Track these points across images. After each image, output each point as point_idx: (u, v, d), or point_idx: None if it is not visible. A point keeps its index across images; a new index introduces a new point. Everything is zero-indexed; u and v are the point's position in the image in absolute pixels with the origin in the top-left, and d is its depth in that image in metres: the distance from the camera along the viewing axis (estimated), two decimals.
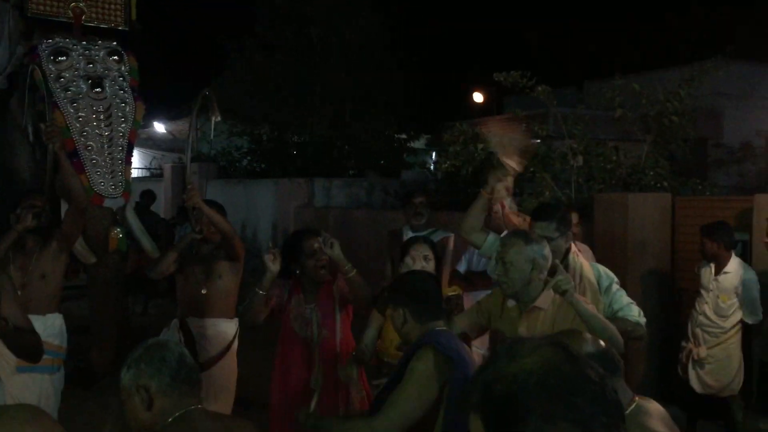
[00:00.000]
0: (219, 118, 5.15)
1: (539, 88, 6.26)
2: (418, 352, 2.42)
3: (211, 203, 4.38)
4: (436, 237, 5.00)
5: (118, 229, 6.21)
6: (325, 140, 13.63)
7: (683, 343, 4.84)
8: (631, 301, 3.31)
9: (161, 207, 13.78)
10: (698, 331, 4.75)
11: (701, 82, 6.95)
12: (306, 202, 10.41)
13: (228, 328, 4.24)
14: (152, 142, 21.31)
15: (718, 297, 4.66)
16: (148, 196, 10.17)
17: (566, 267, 3.28)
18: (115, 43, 6.05)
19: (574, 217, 5.02)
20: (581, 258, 3.36)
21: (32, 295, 3.97)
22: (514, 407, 0.96)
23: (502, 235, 3.34)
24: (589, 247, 5.65)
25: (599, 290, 3.26)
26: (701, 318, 4.76)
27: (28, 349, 2.90)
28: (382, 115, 14.44)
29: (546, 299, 2.80)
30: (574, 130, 6.60)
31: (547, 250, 2.84)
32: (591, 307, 2.77)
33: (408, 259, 3.38)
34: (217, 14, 21.17)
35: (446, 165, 6.49)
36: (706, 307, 4.73)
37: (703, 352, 4.65)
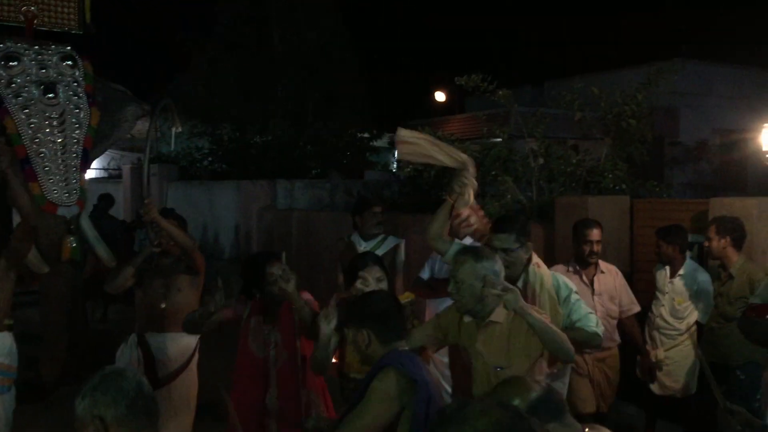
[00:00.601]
0: (179, 129, 5.09)
1: (500, 92, 6.30)
2: (379, 374, 2.40)
3: (171, 213, 4.31)
4: (388, 244, 5.02)
5: (72, 238, 6.07)
6: (287, 140, 13.53)
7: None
8: (590, 310, 3.34)
9: (120, 209, 13.54)
10: (655, 333, 4.82)
11: (658, 83, 7.06)
12: (268, 204, 10.32)
13: (188, 341, 4.19)
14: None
15: (673, 299, 4.73)
16: (106, 200, 9.97)
17: (526, 279, 3.33)
18: (69, 47, 5.91)
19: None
20: (542, 269, 3.40)
21: None
22: None
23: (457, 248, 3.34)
24: (550, 252, 5.73)
25: (558, 300, 3.29)
26: (658, 320, 4.82)
27: None
28: (344, 114, 14.40)
29: (501, 313, 2.84)
30: (535, 132, 6.65)
31: (498, 266, 2.87)
32: (543, 318, 2.81)
33: (360, 284, 3.35)
34: (178, 13, 20.89)
35: (408, 169, 6.49)
36: (662, 309, 4.80)
37: (660, 354, 4.72)
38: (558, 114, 8.24)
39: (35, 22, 5.91)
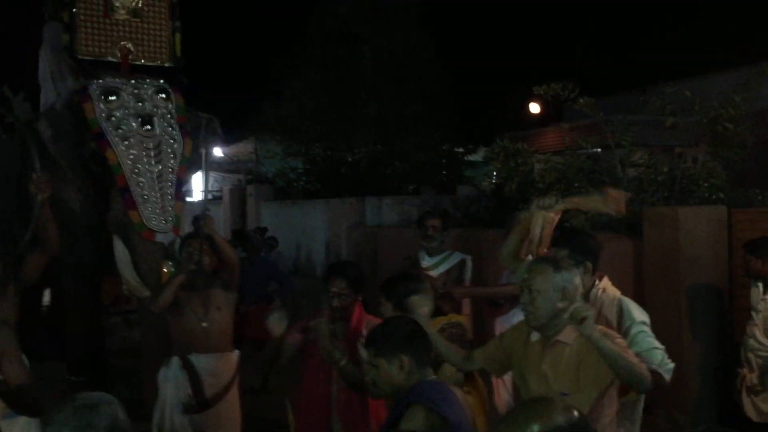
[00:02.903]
0: (221, 141, 5.28)
1: (581, 100, 6.08)
2: (408, 413, 2.23)
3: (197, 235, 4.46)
4: (453, 260, 4.96)
5: (170, 263, 6.41)
6: (376, 157, 13.69)
7: (738, 369, 4.62)
8: (657, 345, 2.99)
9: (220, 229, 14.09)
10: (750, 355, 4.49)
11: (759, 84, 6.67)
12: (357, 222, 10.45)
13: (233, 359, 4.23)
14: (212, 165, 21.80)
15: (767, 318, 4.43)
16: (199, 222, 10.39)
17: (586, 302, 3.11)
18: (162, 81, 6.24)
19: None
20: (606, 294, 3.13)
21: None
22: None
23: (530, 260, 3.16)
24: (638, 266, 5.48)
25: (618, 330, 3.00)
26: (752, 342, 4.49)
27: (29, 406, 2.88)
28: (436, 129, 14.41)
29: (570, 333, 2.60)
30: (622, 140, 6.40)
31: (578, 279, 2.64)
32: (617, 342, 2.56)
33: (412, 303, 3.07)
34: (271, 36, 21.57)
35: (486, 182, 6.36)
36: (756, 329, 4.47)
37: (755, 378, 4.42)
38: (651, 121, 7.92)
39: (130, 57, 6.30)
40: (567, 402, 1.62)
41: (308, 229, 11.83)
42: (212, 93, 23.25)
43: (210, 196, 21.48)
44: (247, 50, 21.87)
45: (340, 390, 3.28)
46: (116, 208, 5.81)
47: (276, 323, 3.33)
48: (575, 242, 3.10)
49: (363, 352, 2.80)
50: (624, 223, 5.77)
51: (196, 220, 4.67)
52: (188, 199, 20.21)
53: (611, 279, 3.31)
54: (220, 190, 18.83)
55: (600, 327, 2.62)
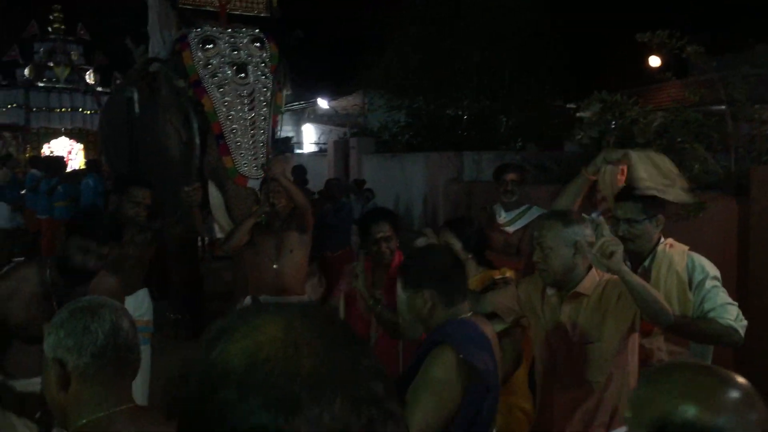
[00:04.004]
0: (289, 91, 5.27)
1: (689, 49, 5.60)
2: (434, 350, 2.11)
3: (298, 173, 4.49)
4: (531, 215, 4.75)
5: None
6: (480, 112, 13.40)
7: None
8: (730, 301, 2.80)
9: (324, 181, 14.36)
10: None
11: None
12: (455, 177, 10.30)
13: (302, 301, 4.25)
14: (316, 117, 22.19)
15: None
16: (298, 171, 10.64)
17: (653, 257, 2.96)
18: (257, 30, 6.34)
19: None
20: (674, 249, 2.94)
21: (125, 278, 4.22)
22: None
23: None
24: (744, 229, 5.10)
25: (689, 285, 2.84)
26: None
27: None
28: (544, 84, 13.90)
29: (589, 284, 2.54)
30: (735, 94, 5.88)
31: (589, 231, 2.57)
32: (640, 281, 2.44)
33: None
34: None
35: (580, 137, 6.00)
36: None
37: None
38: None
39: (228, 6, 6.43)
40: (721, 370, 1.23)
41: (407, 182, 11.81)
42: (322, 47, 23.60)
43: (317, 148, 21.93)
44: (358, 3, 21.86)
45: (379, 337, 3.27)
46: (211, 153, 6.02)
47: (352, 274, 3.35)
48: (646, 196, 2.91)
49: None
50: (733, 183, 5.35)
51: (265, 164, 4.73)
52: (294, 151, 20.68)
53: (714, 240, 3.11)
54: (326, 143, 19.13)
55: (613, 277, 2.53)
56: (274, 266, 4.19)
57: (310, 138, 23.63)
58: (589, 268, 2.58)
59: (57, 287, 2.75)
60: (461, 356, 2.05)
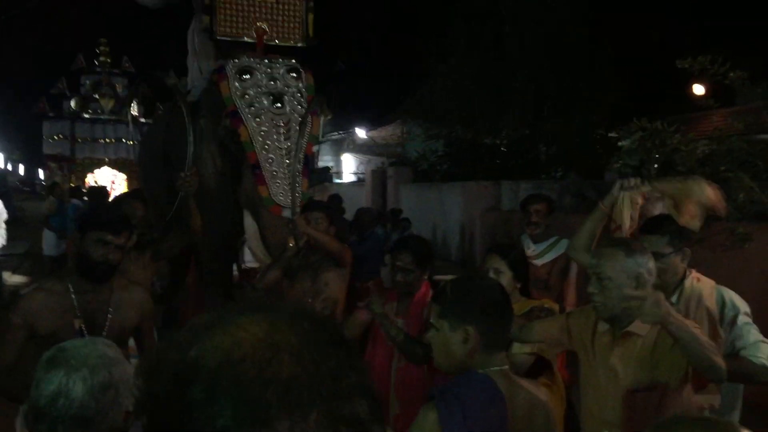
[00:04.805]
0: (330, 116, 5.26)
1: (731, 74, 5.42)
2: (422, 410, 1.85)
3: (319, 207, 4.43)
4: (560, 248, 4.58)
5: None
6: (520, 141, 13.29)
7: None
8: (763, 339, 2.69)
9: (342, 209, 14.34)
10: None
11: None
12: (492, 206, 10.19)
13: None
14: (355, 147, 22.34)
15: None
16: (334, 200, 10.62)
17: (681, 292, 2.84)
18: (293, 60, 6.36)
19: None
20: (702, 283, 2.85)
21: None
22: None
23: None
24: None
25: (720, 321, 2.73)
26: None
27: None
28: (586, 112, 13.75)
29: (643, 324, 2.33)
30: None
31: (653, 264, 2.37)
32: (692, 327, 2.24)
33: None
34: (419, 19, 21.56)
35: (619, 165, 5.84)
36: None
37: None
38: None
39: (265, 37, 6.48)
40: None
41: (444, 211, 11.73)
42: (362, 78, 23.81)
43: (356, 178, 22.01)
44: (395, 34, 22.05)
45: (399, 367, 3.19)
46: (247, 183, 6.01)
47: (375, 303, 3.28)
48: (673, 228, 2.84)
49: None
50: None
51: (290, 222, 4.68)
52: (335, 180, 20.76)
53: (760, 271, 3.00)
54: (364, 173, 19.19)
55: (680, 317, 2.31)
56: (309, 300, 4.15)
57: (349, 167, 23.76)
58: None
59: (80, 294, 2.79)
60: (443, 422, 1.77)
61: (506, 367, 1.96)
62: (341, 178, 23.10)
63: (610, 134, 14.33)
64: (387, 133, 21.33)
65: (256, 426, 0.59)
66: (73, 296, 2.79)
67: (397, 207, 12.17)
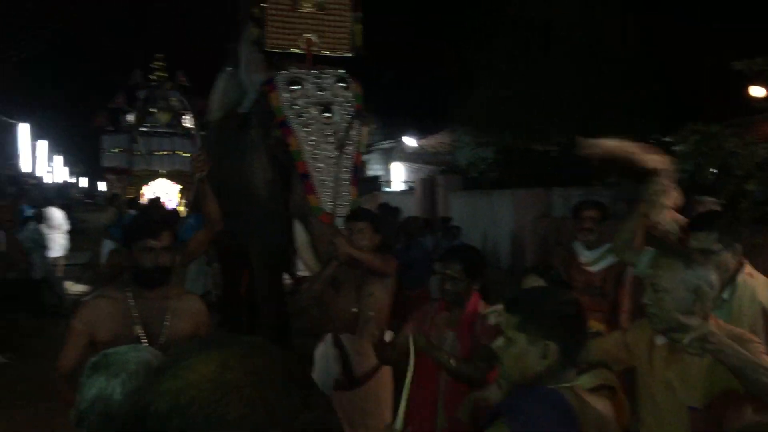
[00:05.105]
0: (374, 126, 5.24)
1: None
2: (492, 427, 1.77)
3: (364, 216, 4.39)
4: (613, 255, 4.45)
5: None
6: (569, 147, 13.10)
7: None
8: None
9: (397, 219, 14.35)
10: None
11: None
12: (543, 213, 10.06)
13: None
14: (405, 155, 22.36)
15: None
16: (384, 209, 10.66)
17: (734, 289, 2.72)
18: (342, 70, 6.43)
19: None
20: (756, 279, 2.72)
21: None
22: None
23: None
24: None
25: None
26: None
27: None
28: (639, 117, 13.49)
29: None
30: None
31: (714, 276, 2.24)
32: (752, 347, 2.11)
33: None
34: (467, 27, 21.51)
35: (683, 169, 5.68)
36: None
37: None
38: None
39: (313, 48, 6.57)
40: None
41: (495, 219, 11.64)
42: (412, 87, 23.88)
43: (406, 187, 22.03)
44: (444, 42, 22.06)
45: (448, 380, 3.14)
46: (296, 192, 6.09)
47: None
48: (722, 223, 2.75)
49: (493, 318, 2.57)
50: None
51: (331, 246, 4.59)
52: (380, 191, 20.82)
53: None
54: (414, 181, 19.19)
55: (729, 328, 2.22)
56: (354, 309, 4.12)
57: (398, 176, 23.80)
58: (706, 318, 2.26)
59: (139, 301, 2.85)
60: None
61: (576, 383, 1.89)
62: (391, 187, 23.15)
63: (664, 139, 14.01)
64: (436, 141, 21.31)
65: None
66: (131, 303, 2.86)
67: (447, 215, 12.13)
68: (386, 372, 4.00)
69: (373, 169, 24.53)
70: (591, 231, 4.52)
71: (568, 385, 1.84)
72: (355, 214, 4.60)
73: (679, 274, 2.23)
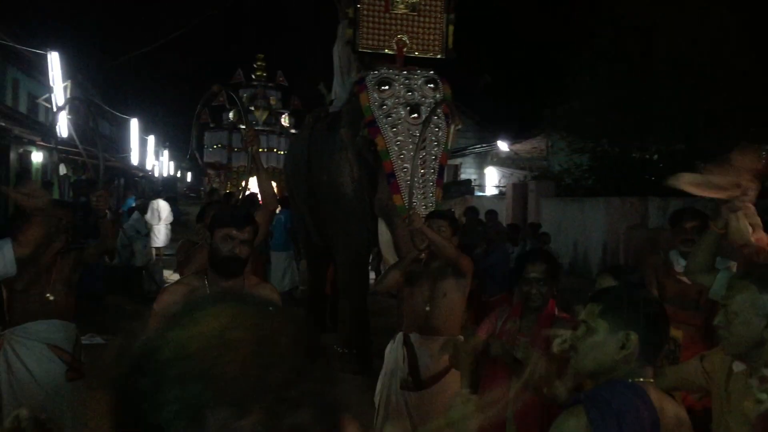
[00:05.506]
0: (460, 126, 5.14)
1: None
2: (566, 412, 1.78)
3: (444, 215, 4.33)
4: (718, 266, 4.19)
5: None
6: (670, 155, 12.57)
7: None
8: None
9: (503, 223, 14.18)
10: None
11: None
12: (638, 223, 9.70)
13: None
14: (499, 160, 22.09)
15: None
16: (472, 212, 10.58)
17: None
18: (432, 72, 6.44)
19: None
20: None
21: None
22: None
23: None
24: None
25: None
26: None
27: None
28: (749, 124, 12.75)
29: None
30: None
31: None
32: None
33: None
34: (565, 32, 21.06)
35: None
36: None
37: None
38: None
39: (405, 49, 6.60)
40: None
41: (586, 227, 11.33)
42: (507, 90, 23.59)
43: (498, 191, 21.78)
44: (540, 45, 21.67)
45: (518, 391, 3.06)
46: (382, 191, 6.14)
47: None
48: None
49: (557, 345, 2.50)
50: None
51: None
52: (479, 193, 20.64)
53: None
54: (506, 186, 18.95)
55: None
56: (427, 308, 4.07)
57: (492, 181, 23.55)
58: None
59: (215, 287, 2.92)
60: (594, 422, 1.68)
61: (653, 380, 1.86)
62: (484, 191, 22.94)
63: None
64: (530, 146, 20.96)
65: (193, 421, 0.60)
66: (208, 290, 2.96)
67: (537, 221, 11.91)
68: (453, 377, 3.89)
69: (467, 173, 24.36)
70: (692, 241, 4.32)
71: (645, 380, 1.81)
72: (436, 213, 4.58)
73: (750, 296, 2.14)
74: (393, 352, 4.16)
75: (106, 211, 3.81)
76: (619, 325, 1.81)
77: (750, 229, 2.81)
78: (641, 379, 1.80)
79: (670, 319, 3.21)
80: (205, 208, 4.40)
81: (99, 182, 4.46)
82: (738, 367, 2.26)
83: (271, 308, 0.71)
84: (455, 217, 4.74)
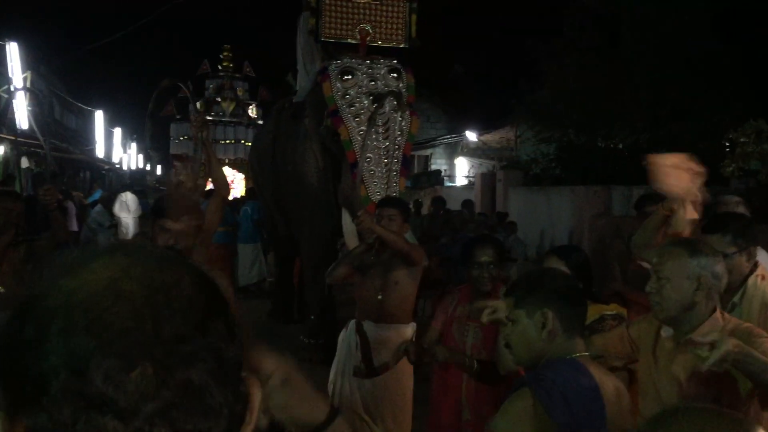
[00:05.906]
0: (406, 111, 5.19)
1: None
2: (513, 396, 1.81)
3: (394, 203, 4.32)
4: None
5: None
6: (634, 145, 12.69)
7: None
8: None
9: (474, 213, 14.22)
10: None
11: None
12: (602, 212, 9.80)
13: (405, 332, 4.06)
14: (469, 150, 22.16)
15: None
16: (437, 202, 10.60)
17: (744, 292, 2.67)
18: (395, 61, 6.41)
19: None
20: (767, 281, 2.67)
21: None
22: None
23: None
24: None
25: None
26: None
27: None
28: (710, 115, 12.88)
29: (709, 329, 2.14)
30: None
31: (720, 267, 2.20)
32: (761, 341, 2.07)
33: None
34: (526, 22, 21.15)
35: (731, 168, 5.39)
36: None
37: None
38: None
39: (368, 38, 6.56)
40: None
41: (552, 216, 11.43)
42: (475, 81, 23.66)
43: (468, 182, 21.86)
44: (508, 36, 21.76)
45: (470, 378, 3.12)
46: (345, 181, 6.11)
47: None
48: (736, 226, 2.72)
49: (485, 317, 2.49)
50: None
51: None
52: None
53: None
54: (475, 176, 19.02)
55: (741, 324, 2.20)
56: (379, 297, 4.05)
57: (462, 171, 23.61)
58: (713, 310, 2.24)
59: None
60: (543, 404, 1.71)
61: (587, 353, 1.91)
62: (454, 182, 22.99)
63: (742, 140, 13.38)
64: (499, 136, 21.03)
65: (75, 374, 0.57)
66: None
67: (503, 211, 11.97)
68: (406, 365, 3.92)
69: (437, 164, 24.37)
70: None
71: (582, 354, 1.86)
72: (386, 201, 4.54)
73: (681, 262, 2.20)
74: (346, 339, 4.16)
75: (54, 204, 3.74)
76: (534, 308, 1.87)
77: (688, 227, 2.88)
78: (577, 354, 1.85)
79: (630, 301, 3.29)
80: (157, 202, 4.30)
81: (46, 175, 4.38)
82: (666, 332, 2.33)
83: (170, 259, 0.67)
84: (407, 204, 4.70)
